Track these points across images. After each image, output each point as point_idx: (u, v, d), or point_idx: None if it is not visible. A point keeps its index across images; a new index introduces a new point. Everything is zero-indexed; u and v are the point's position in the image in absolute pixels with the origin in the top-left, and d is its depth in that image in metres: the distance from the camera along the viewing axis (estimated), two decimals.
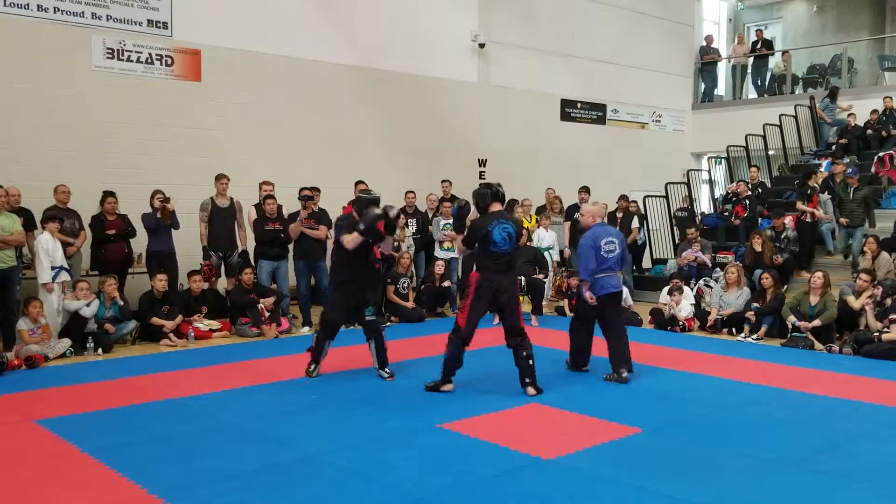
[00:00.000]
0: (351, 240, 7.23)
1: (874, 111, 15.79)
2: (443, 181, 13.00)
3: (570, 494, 4.54)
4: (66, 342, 8.66)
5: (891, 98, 15.54)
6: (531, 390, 6.78)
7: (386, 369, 7.53)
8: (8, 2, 10.37)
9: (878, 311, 9.21)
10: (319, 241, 10.38)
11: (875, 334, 8.90)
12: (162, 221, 9.99)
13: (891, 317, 8.77)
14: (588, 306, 7.46)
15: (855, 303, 9.59)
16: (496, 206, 6.89)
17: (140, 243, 10.40)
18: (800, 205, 12.55)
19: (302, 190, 10.62)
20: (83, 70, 11.00)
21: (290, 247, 10.53)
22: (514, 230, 6.87)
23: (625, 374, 7.36)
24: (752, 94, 19.72)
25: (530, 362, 6.81)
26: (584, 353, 7.82)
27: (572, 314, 11.41)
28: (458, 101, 15.23)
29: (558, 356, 8.41)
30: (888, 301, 9.14)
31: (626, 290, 11.34)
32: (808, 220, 12.55)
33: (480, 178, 15.39)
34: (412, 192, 12.16)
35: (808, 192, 12.65)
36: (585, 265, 7.39)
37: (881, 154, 14.33)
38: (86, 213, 10.08)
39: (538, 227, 12.62)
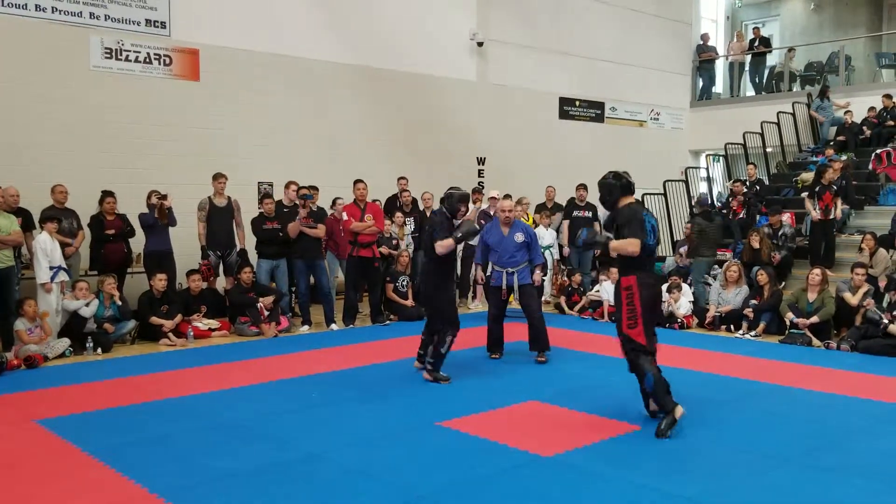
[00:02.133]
0: (445, 245, 7.09)
1: (871, 108, 15.81)
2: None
3: (569, 491, 4.56)
4: (66, 342, 8.67)
5: (890, 97, 15.55)
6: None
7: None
8: (6, 2, 10.37)
9: (878, 307, 9.21)
10: (318, 239, 10.41)
11: (882, 324, 8.85)
12: (159, 220, 10.00)
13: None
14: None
15: (852, 299, 9.61)
16: (628, 199, 5.97)
17: (138, 243, 10.41)
18: (807, 204, 12.29)
19: (300, 189, 10.63)
20: (81, 70, 11.01)
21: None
22: (655, 223, 6.00)
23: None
24: (750, 92, 19.74)
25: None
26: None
27: (576, 313, 11.57)
28: (457, 100, 15.24)
29: (556, 354, 8.45)
30: (894, 295, 9.11)
31: None
32: (819, 217, 12.04)
33: (479, 176, 15.42)
34: (407, 190, 12.15)
35: (818, 189, 12.17)
36: (539, 254, 8.39)
37: (878, 151, 14.34)
38: (84, 213, 10.08)
39: (537, 226, 12.65)
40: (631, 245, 5.64)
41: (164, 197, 10.01)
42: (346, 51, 13.65)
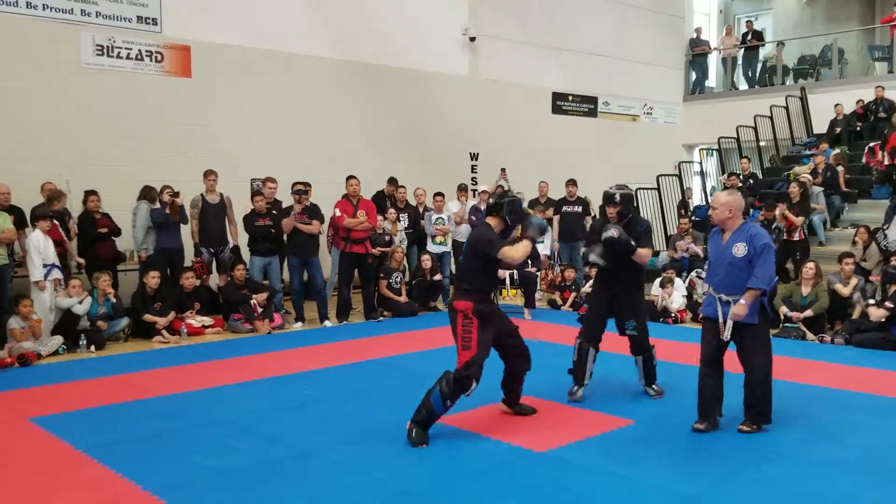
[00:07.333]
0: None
1: (859, 101, 15.81)
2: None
3: (563, 487, 4.56)
4: (59, 339, 8.64)
5: (882, 88, 15.57)
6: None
7: (654, 386, 6.70)
8: None
9: (878, 300, 9.23)
10: (312, 236, 10.40)
11: (869, 305, 8.92)
12: (171, 217, 9.99)
13: (886, 304, 8.77)
14: None
15: (844, 290, 9.64)
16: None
17: (125, 241, 10.48)
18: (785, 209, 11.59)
19: (295, 184, 10.61)
20: (73, 67, 10.96)
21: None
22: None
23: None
24: (743, 86, 19.75)
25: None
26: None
27: (570, 309, 11.50)
28: (450, 95, 15.21)
29: (552, 350, 8.44)
30: (891, 288, 9.09)
31: None
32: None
33: (472, 171, 15.40)
34: (403, 186, 12.14)
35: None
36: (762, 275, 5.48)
37: (871, 144, 14.35)
38: (76, 211, 10.04)
39: None
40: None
41: (177, 194, 10.02)
42: (338, 47, 13.61)
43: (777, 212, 11.58)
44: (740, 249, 5.47)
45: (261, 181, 11.35)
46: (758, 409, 5.67)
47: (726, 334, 5.56)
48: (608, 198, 6.35)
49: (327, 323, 10.40)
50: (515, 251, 5.50)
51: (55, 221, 9.54)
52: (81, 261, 9.79)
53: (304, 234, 10.26)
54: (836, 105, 16.10)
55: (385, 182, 12.30)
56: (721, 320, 5.56)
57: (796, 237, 11.47)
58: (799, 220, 11.37)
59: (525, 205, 13.05)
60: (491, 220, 5.66)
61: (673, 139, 19.60)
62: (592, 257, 6.42)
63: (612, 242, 6.12)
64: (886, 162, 13.58)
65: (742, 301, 5.40)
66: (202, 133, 12.02)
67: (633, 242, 6.16)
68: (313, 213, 10.42)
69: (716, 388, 5.68)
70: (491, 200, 5.80)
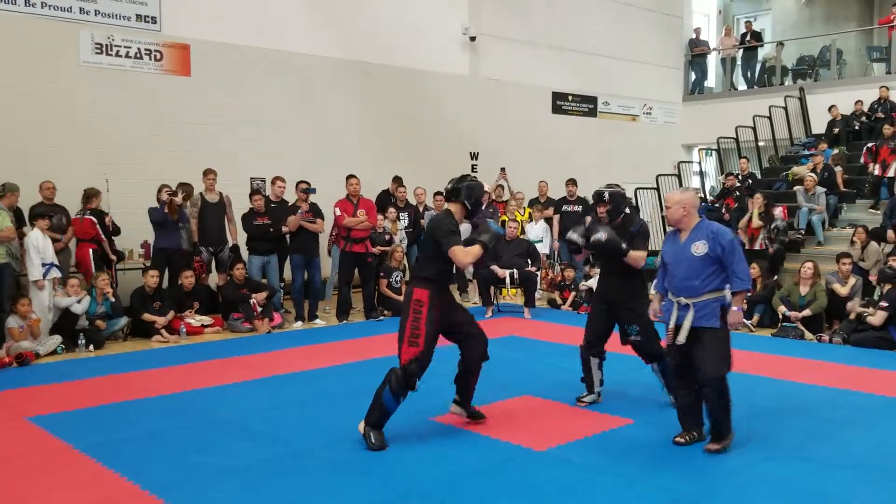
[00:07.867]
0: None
1: (858, 101, 15.82)
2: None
3: (562, 485, 4.56)
4: (57, 339, 8.63)
5: (886, 88, 15.57)
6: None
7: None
8: None
9: (867, 300, 9.24)
10: (315, 234, 10.43)
11: (866, 313, 8.92)
12: (169, 216, 9.99)
13: (881, 304, 8.79)
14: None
15: (842, 290, 9.65)
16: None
17: (125, 240, 10.48)
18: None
19: (300, 183, 10.62)
20: (71, 65, 10.95)
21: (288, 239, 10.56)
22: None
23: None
24: (742, 86, 19.76)
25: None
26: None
27: (570, 308, 11.51)
28: (450, 95, 15.22)
29: (551, 349, 8.45)
30: (884, 287, 9.08)
31: None
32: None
33: (472, 171, 15.40)
34: (403, 186, 12.15)
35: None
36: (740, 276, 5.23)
37: (870, 144, 14.35)
38: (74, 210, 10.04)
39: (534, 222, 12.70)
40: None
41: (175, 194, 10.01)
42: (338, 46, 13.62)
43: (746, 217, 11.78)
44: (700, 247, 5.17)
45: (261, 180, 11.33)
46: (713, 420, 5.21)
47: (681, 338, 5.18)
48: (598, 196, 6.20)
49: (317, 322, 10.39)
50: (466, 255, 5.30)
51: (93, 219, 9.59)
52: (114, 258, 9.94)
53: (309, 232, 10.29)
54: (830, 107, 16.10)
55: (386, 181, 12.31)
56: (673, 325, 5.25)
57: (757, 247, 11.48)
58: (758, 224, 11.44)
59: (525, 204, 13.11)
60: (451, 207, 5.48)
61: (672, 139, 19.61)
62: (572, 235, 6.26)
63: (600, 246, 5.93)
64: (877, 173, 13.60)
65: (734, 308, 5.16)
66: (201, 132, 12.01)
67: (623, 245, 5.89)
68: (317, 211, 10.46)
69: (690, 398, 5.36)
70: (448, 186, 5.56)
